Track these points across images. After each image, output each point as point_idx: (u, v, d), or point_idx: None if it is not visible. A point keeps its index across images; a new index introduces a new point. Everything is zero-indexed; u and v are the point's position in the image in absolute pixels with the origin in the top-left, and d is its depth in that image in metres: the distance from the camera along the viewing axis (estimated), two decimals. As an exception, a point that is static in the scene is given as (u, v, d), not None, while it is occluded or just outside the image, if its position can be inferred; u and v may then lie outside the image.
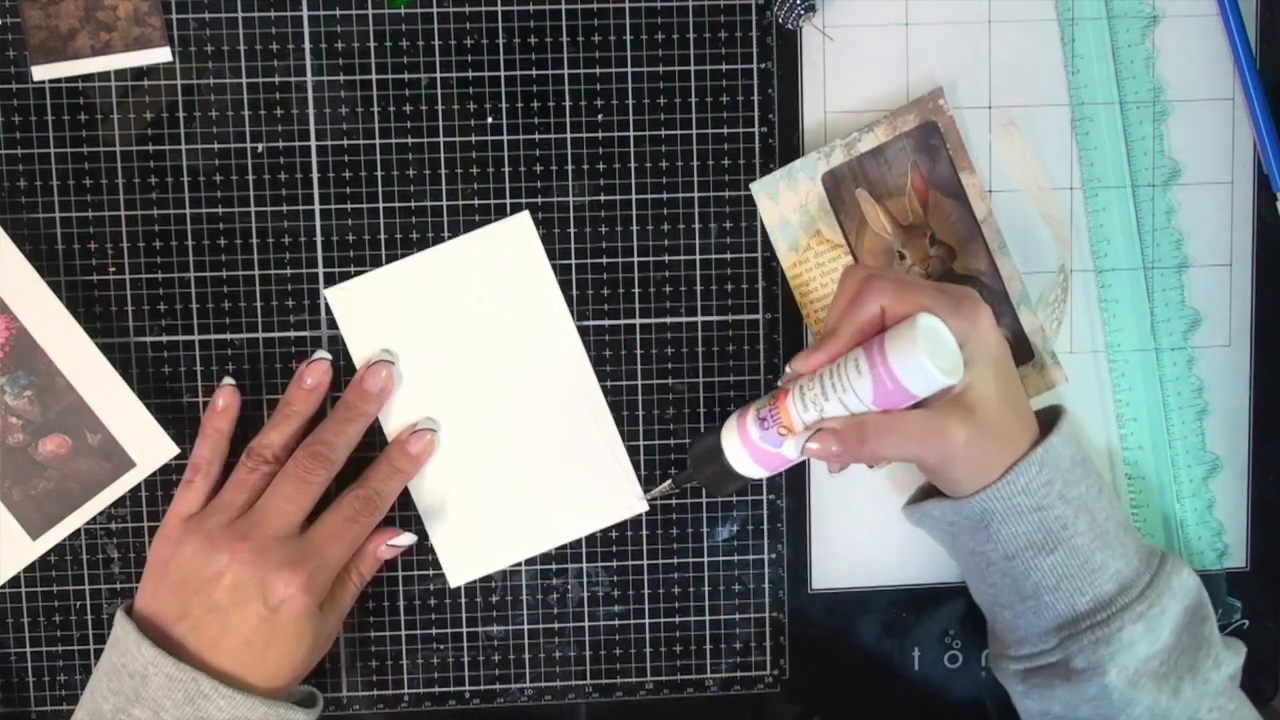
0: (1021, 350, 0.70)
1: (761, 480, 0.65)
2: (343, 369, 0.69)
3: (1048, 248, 0.71)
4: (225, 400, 0.67)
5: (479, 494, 0.70)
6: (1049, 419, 0.65)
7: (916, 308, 0.59)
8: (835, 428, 0.59)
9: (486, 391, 0.69)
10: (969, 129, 0.70)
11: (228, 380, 0.68)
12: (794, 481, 0.71)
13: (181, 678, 0.59)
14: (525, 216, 0.69)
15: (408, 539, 0.68)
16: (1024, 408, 0.63)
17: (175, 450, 0.68)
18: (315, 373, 0.67)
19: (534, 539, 0.70)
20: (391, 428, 0.69)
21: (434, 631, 0.71)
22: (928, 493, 0.67)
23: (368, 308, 0.69)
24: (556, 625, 0.71)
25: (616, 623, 0.71)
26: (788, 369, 0.63)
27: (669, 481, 0.68)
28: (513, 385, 0.69)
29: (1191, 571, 0.65)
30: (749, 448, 0.62)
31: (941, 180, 0.69)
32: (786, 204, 0.69)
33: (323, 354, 0.68)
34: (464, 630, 0.71)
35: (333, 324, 0.69)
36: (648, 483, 0.71)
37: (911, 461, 0.62)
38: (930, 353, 0.57)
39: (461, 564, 0.70)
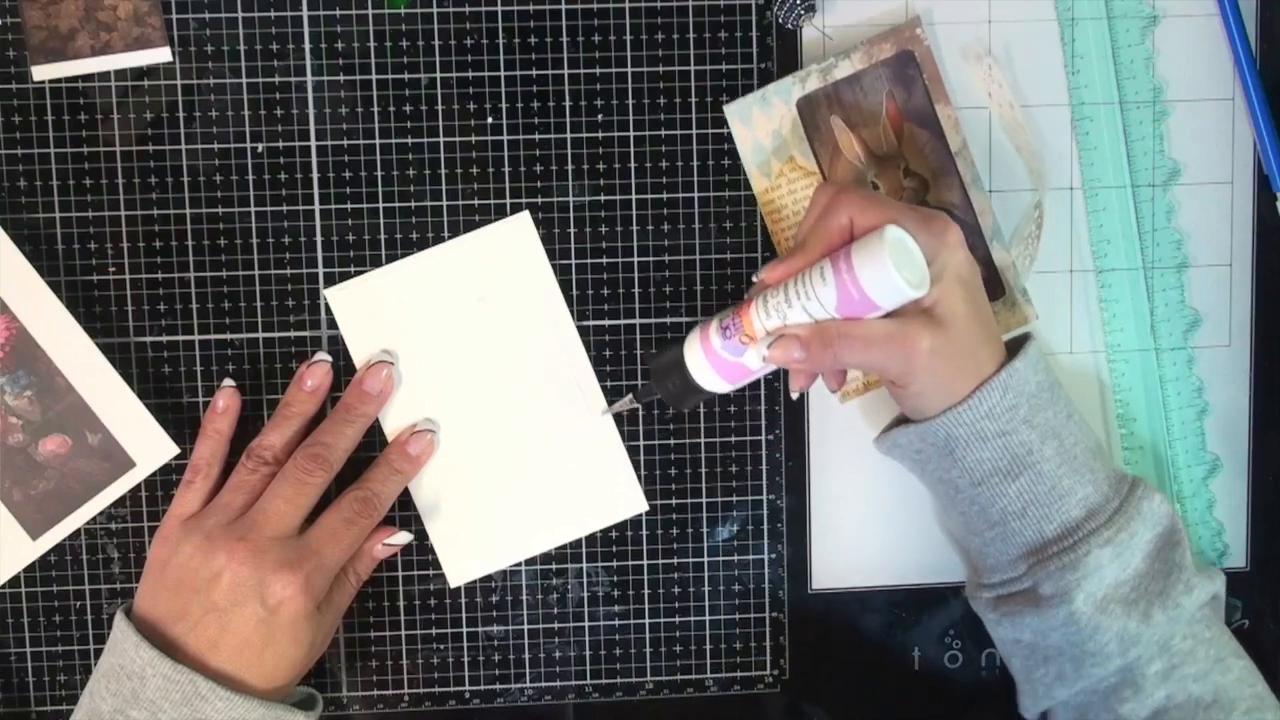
0: (993, 286, 0.69)
1: (721, 394, 0.64)
2: (342, 369, 0.69)
3: (1023, 183, 0.70)
4: (225, 401, 0.67)
5: (479, 494, 0.70)
6: (1018, 346, 0.64)
7: (885, 221, 0.59)
8: (798, 333, 0.59)
9: (486, 391, 0.69)
10: (945, 59, 0.69)
11: (228, 382, 0.68)
12: (794, 481, 0.71)
13: (179, 679, 0.59)
14: (525, 216, 0.69)
15: (404, 537, 0.68)
16: (992, 331, 0.63)
17: (175, 450, 0.68)
18: (316, 374, 0.67)
19: (534, 539, 0.70)
20: (391, 428, 0.69)
21: (434, 631, 0.71)
22: (898, 424, 0.67)
23: (367, 308, 0.69)
24: (556, 625, 0.71)
25: (616, 623, 0.71)
26: (754, 279, 0.62)
27: (630, 396, 0.67)
28: (513, 385, 0.69)
29: (1164, 499, 0.64)
30: (711, 358, 0.62)
31: (916, 110, 0.69)
32: (760, 128, 0.68)
33: (323, 355, 0.68)
34: (464, 630, 0.71)
35: (333, 324, 0.69)
36: (648, 483, 0.71)
37: (875, 372, 0.62)
38: (896, 263, 0.57)
39: (461, 564, 0.70)
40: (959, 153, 0.69)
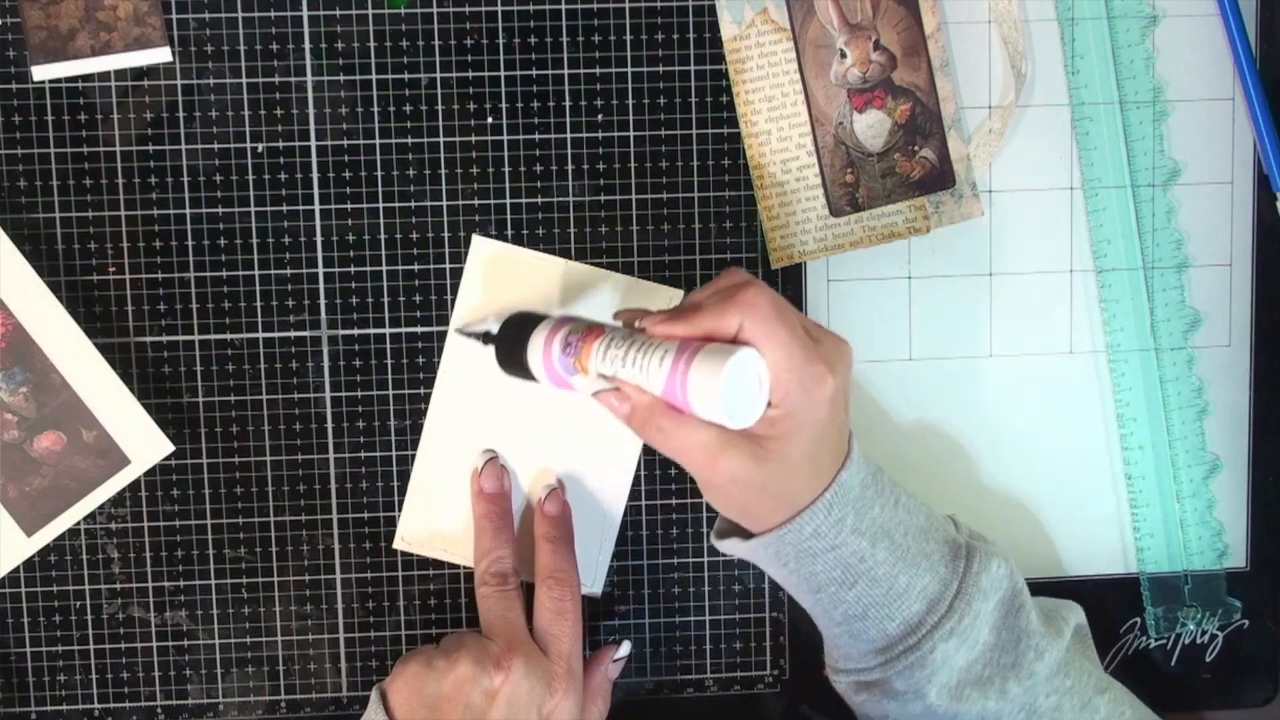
0: (943, 176, 0.69)
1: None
2: (340, 368, 0.69)
3: (998, 81, 0.70)
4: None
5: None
6: None
7: (763, 341, 0.55)
8: (628, 396, 0.57)
9: (544, 425, 0.69)
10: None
11: (488, 453, 0.69)
12: (794, 481, 0.71)
13: None
14: (679, 295, 0.69)
15: (626, 649, 0.70)
16: (822, 467, 0.59)
17: (170, 448, 0.68)
18: (490, 479, 0.68)
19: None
20: (439, 413, 0.69)
21: (434, 632, 0.71)
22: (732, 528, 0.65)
23: (498, 274, 0.68)
24: (556, 625, 0.71)
25: (616, 623, 0.71)
26: (617, 318, 0.61)
27: (482, 336, 0.65)
28: (567, 434, 0.69)
29: (1003, 560, 0.63)
30: (546, 363, 0.61)
31: None
32: None
33: (488, 452, 0.69)
34: (464, 630, 0.71)
35: (333, 324, 0.69)
36: (648, 482, 0.70)
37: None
38: (727, 390, 0.54)
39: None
40: (932, 35, 0.68)
